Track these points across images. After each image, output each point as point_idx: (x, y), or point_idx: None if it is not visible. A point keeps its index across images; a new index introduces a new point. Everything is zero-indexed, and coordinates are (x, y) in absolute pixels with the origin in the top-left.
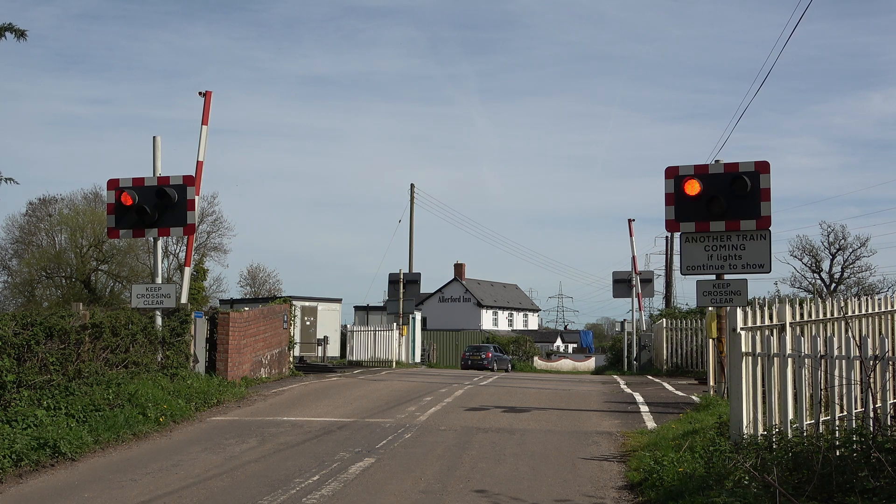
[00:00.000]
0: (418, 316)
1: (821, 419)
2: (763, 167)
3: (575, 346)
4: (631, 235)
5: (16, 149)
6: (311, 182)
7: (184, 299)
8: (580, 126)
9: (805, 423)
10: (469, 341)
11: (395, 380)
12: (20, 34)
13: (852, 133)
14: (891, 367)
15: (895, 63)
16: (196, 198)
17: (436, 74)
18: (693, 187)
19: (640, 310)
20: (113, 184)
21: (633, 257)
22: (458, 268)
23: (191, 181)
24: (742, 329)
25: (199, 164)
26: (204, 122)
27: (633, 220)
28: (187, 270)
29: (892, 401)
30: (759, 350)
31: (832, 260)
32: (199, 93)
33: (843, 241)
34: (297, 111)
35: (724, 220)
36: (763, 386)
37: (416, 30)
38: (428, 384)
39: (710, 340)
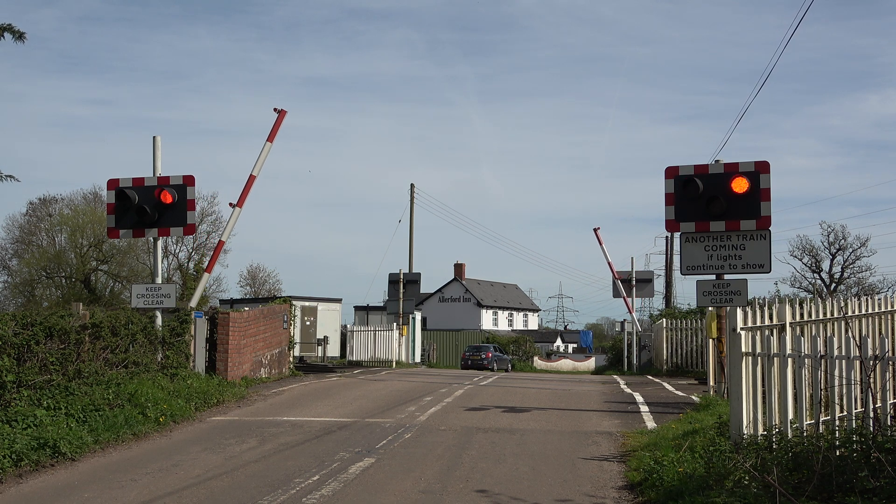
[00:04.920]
0: (418, 316)
1: (821, 419)
2: (763, 167)
3: (575, 346)
4: (601, 244)
5: (17, 149)
6: (311, 182)
7: (193, 302)
8: (579, 127)
9: (805, 423)
10: (469, 341)
11: (395, 380)
12: (19, 35)
13: (850, 134)
14: (891, 367)
15: (891, 65)
16: (238, 209)
17: (435, 76)
18: (694, 187)
19: (630, 312)
20: (113, 184)
21: (609, 263)
22: (458, 268)
23: (191, 181)
24: (742, 329)
25: (251, 178)
26: (269, 138)
27: (599, 228)
28: (206, 276)
29: (892, 401)
30: (759, 350)
31: (832, 260)
32: (275, 109)
33: (843, 241)
34: (297, 112)
35: (724, 220)
36: (763, 386)
37: (415, 32)
38: (428, 384)
39: (710, 340)
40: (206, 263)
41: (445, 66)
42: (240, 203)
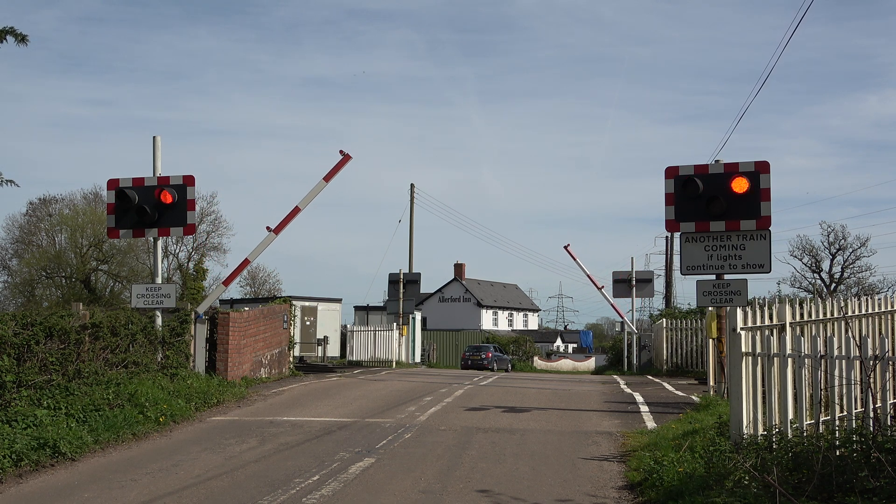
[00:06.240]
0: (418, 316)
1: (821, 419)
2: (763, 167)
3: (575, 346)
4: (574, 259)
5: (17, 150)
6: (311, 182)
7: (201, 308)
8: (579, 127)
9: (805, 423)
10: (469, 341)
11: (394, 380)
12: (21, 38)
13: (849, 134)
14: (891, 367)
15: (890, 65)
16: (273, 235)
17: (435, 76)
18: (694, 187)
19: (622, 317)
20: (113, 184)
21: (588, 275)
22: (458, 268)
23: (191, 181)
24: (742, 329)
25: (295, 209)
26: (326, 178)
27: (569, 244)
28: (222, 287)
29: (892, 401)
30: (759, 350)
31: (832, 260)
32: (341, 151)
33: (843, 241)
34: (297, 112)
35: (724, 220)
36: (763, 386)
37: (415, 32)
38: (428, 384)
39: (710, 340)
40: (226, 275)
41: (445, 67)
42: (277, 230)
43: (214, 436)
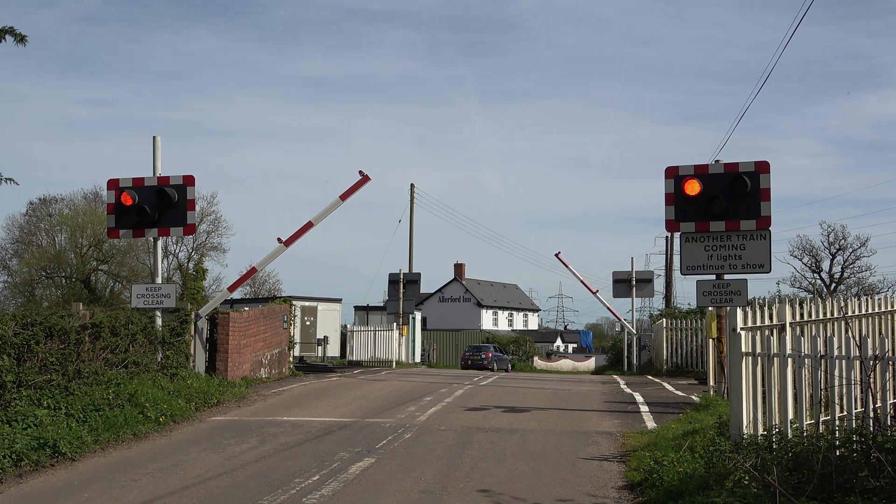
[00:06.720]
0: (418, 316)
1: (821, 419)
2: (763, 167)
3: (575, 346)
4: (567, 266)
5: (18, 150)
6: (311, 182)
7: (204, 311)
8: (579, 127)
9: (805, 423)
10: (469, 341)
11: (394, 380)
12: (20, 38)
13: (848, 134)
14: (891, 367)
15: (889, 66)
16: (283, 248)
17: (435, 76)
18: (693, 187)
19: (619, 319)
20: (113, 184)
21: (582, 281)
22: (458, 268)
23: (191, 181)
24: (742, 329)
25: (308, 224)
26: (342, 196)
27: (560, 252)
28: (226, 292)
29: (892, 401)
30: (759, 350)
31: (832, 260)
32: (360, 172)
33: (843, 241)
34: (297, 112)
35: (724, 220)
36: (763, 386)
37: (415, 33)
38: (428, 384)
39: (710, 340)
40: (231, 282)
41: (445, 67)
42: (287, 242)
43: (214, 436)
